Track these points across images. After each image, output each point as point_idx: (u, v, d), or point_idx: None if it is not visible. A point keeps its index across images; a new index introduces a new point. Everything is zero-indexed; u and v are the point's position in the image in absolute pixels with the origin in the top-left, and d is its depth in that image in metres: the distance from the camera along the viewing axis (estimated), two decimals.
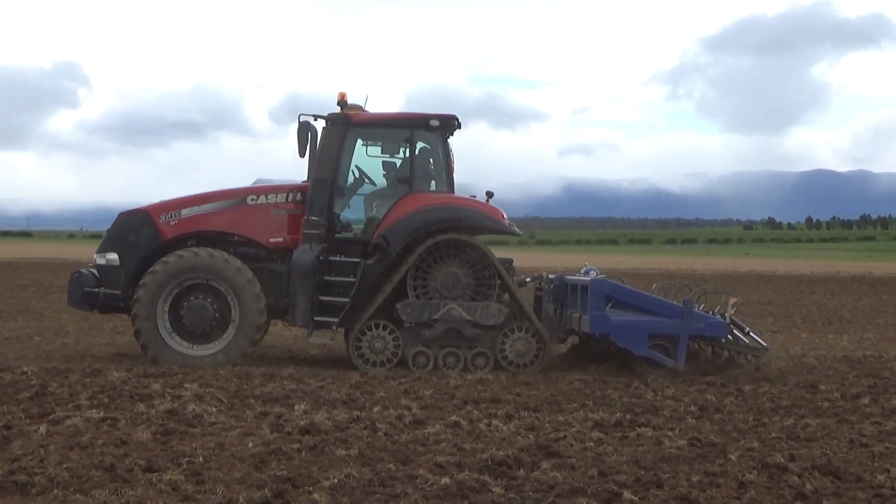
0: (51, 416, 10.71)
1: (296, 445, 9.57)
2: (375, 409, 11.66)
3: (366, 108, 16.88)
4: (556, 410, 12.07)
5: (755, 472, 8.95)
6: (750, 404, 12.84)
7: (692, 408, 12.42)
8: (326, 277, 15.91)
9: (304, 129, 16.01)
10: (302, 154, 16.10)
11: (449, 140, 16.47)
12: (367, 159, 16.72)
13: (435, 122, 16.26)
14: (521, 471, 8.81)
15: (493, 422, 11.03)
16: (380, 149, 16.77)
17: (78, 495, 7.75)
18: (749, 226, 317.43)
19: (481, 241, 16.18)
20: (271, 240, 16.33)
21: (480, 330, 15.73)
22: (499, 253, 16.30)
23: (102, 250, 16.47)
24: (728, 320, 15.92)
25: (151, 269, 15.82)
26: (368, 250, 16.03)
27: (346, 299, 15.78)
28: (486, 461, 9.03)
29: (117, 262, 16.24)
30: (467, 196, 16.79)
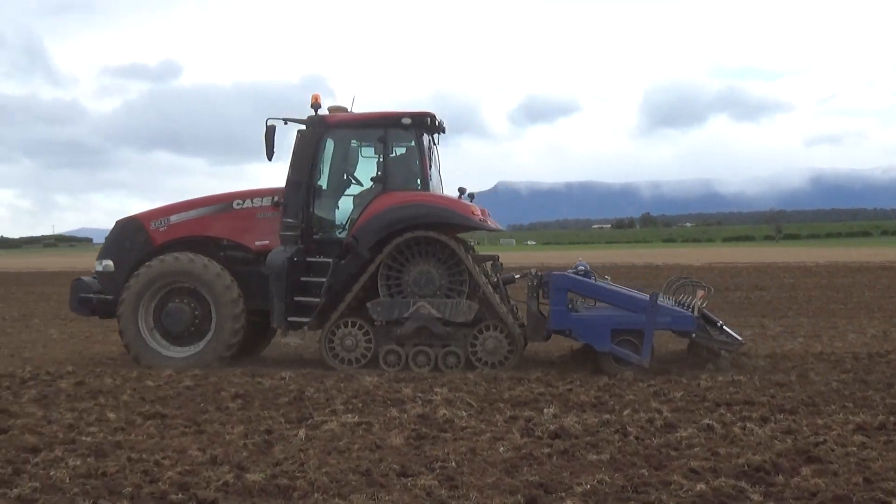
0: (309, 421, 11.07)
1: (546, 450, 9.53)
2: (625, 413, 11.49)
3: (351, 110, 16.96)
4: (814, 413, 11.56)
5: None
6: None
7: None
8: (303, 278, 16.12)
9: (271, 133, 16.07)
10: (270, 157, 16.17)
11: (425, 138, 16.36)
12: (345, 160, 16.84)
13: (407, 121, 16.21)
14: (780, 477, 8.48)
15: (748, 425, 10.65)
16: (356, 149, 16.91)
17: (337, 499, 7.93)
18: None
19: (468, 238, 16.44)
20: (257, 243, 16.60)
21: (451, 328, 15.66)
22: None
23: (101, 257, 17.24)
24: (696, 314, 15.20)
25: (135, 273, 16.49)
26: (342, 250, 16.13)
27: (316, 299, 15.91)
28: (743, 466, 8.73)
29: (112, 269, 17.00)
30: (442, 194, 16.61)
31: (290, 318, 16.03)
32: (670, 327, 15.39)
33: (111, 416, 11.43)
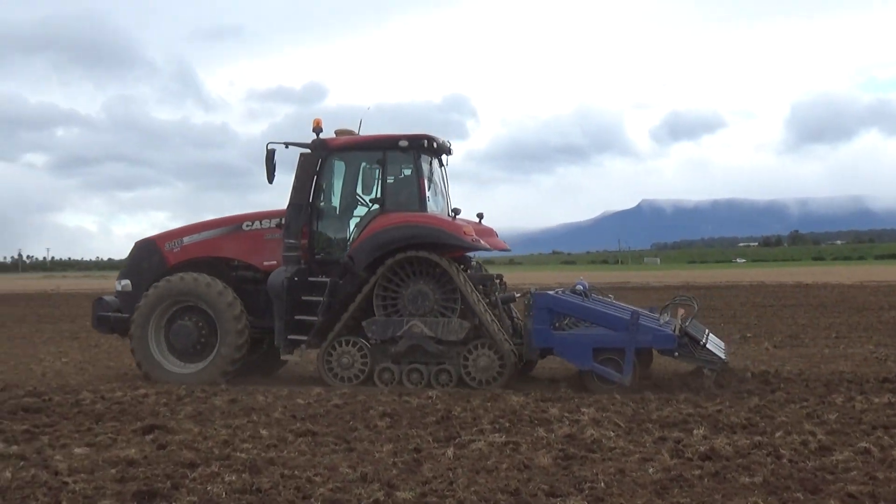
0: (457, 440, 11.12)
1: (697, 472, 9.39)
2: (777, 435, 11.22)
3: (359, 132, 17.38)
4: None
5: None
6: None
7: None
8: (304, 297, 16.49)
9: (271, 157, 16.45)
10: (270, 181, 16.58)
11: (425, 160, 16.71)
12: (346, 182, 17.20)
13: (404, 143, 16.50)
14: None
15: None
16: (356, 171, 17.17)
17: None
18: None
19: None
20: (265, 263, 17.10)
21: (444, 346, 15.90)
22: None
23: (120, 277, 18.01)
24: (678, 332, 15.11)
25: (145, 293, 17.14)
26: (340, 270, 16.51)
27: (316, 318, 16.30)
28: None
29: (130, 288, 17.70)
30: (436, 215, 16.69)
31: (289, 336, 16.51)
32: (651, 345, 15.37)
33: (264, 432, 11.68)
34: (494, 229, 17.99)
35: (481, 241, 16.50)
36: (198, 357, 16.97)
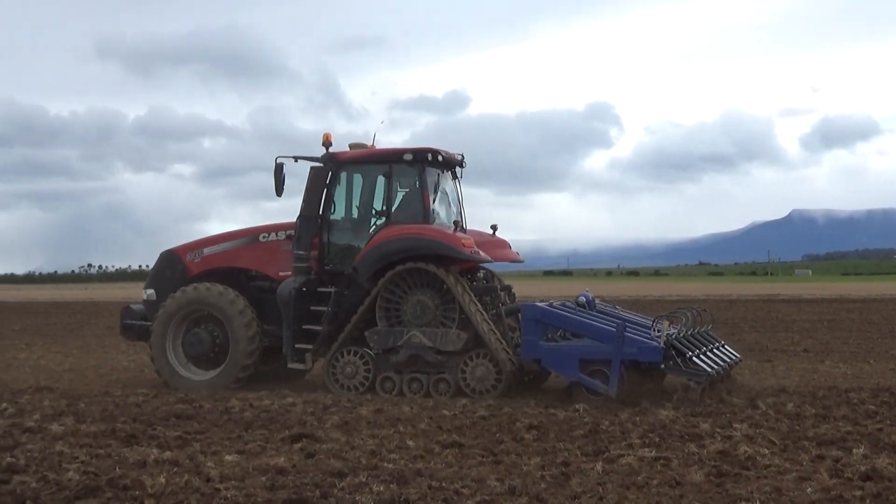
0: (605, 454, 10.95)
1: (857, 493, 9.02)
2: None
3: (374, 145, 17.93)
4: None
5: None
6: None
7: None
8: (312, 307, 16.93)
9: (280, 171, 17.09)
10: (279, 193, 17.18)
11: (430, 173, 17.08)
12: (354, 194, 17.62)
13: (409, 157, 16.87)
14: None
15: None
16: (364, 184, 17.62)
17: None
18: None
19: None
20: (280, 273, 17.54)
21: (443, 356, 16.18)
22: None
23: (146, 287, 18.61)
24: (662, 345, 14.98)
25: (163, 302, 17.73)
26: (345, 280, 16.94)
27: (322, 327, 16.75)
28: None
29: (155, 297, 18.22)
30: (438, 227, 16.89)
31: (297, 346, 16.94)
32: (637, 358, 15.16)
33: (411, 443, 11.68)
34: (507, 241, 18.49)
35: (481, 253, 16.75)
36: (212, 364, 17.52)
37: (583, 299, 17.03)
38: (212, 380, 17.25)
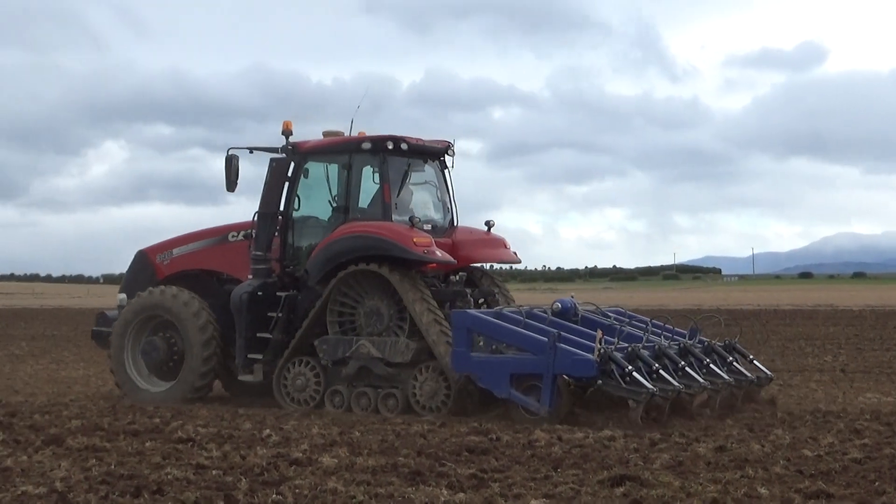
0: None
1: None
2: None
3: (350, 133, 16.34)
4: None
5: None
6: None
7: None
8: (269, 313, 15.64)
9: (231, 163, 16.02)
10: (230, 188, 16.12)
11: (395, 162, 15.67)
12: (317, 188, 16.21)
13: (367, 145, 15.55)
14: None
15: None
16: (327, 176, 16.18)
17: None
18: None
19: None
20: (249, 276, 16.07)
21: (393, 368, 14.85)
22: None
23: (120, 290, 17.43)
24: (597, 358, 13.41)
25: (122, 307, 16.63)
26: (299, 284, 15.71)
27: (272, 335, 15.52)
28: None
29: (126, 303, 16.87)
30: (391, 224, 15.26)
31: (249, 355, 15.59)
32: (569, 372, 13.69)
33: (763, 491, 9.41)
34: (505, 239, 16.89)
35: (438, 254, 15.08)
36: (170, 375, 16.26)
37: (558, 306, 15.44)
38: (167, 391, 16.07)
